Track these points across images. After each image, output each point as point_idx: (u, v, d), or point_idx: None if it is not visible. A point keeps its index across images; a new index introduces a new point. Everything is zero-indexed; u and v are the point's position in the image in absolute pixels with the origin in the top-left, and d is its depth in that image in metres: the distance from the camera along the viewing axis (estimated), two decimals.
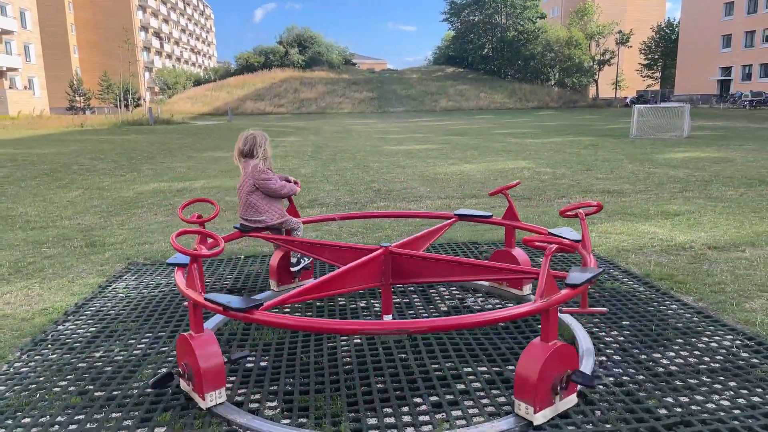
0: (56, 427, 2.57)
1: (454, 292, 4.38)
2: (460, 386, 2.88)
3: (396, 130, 28.14)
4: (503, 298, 4.24)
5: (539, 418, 2.45)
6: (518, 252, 4.17)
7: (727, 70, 60.36)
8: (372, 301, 4.19)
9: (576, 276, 2.70)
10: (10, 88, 52.77)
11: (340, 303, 4.16)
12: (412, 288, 4.41)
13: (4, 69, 52.87)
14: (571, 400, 2.62)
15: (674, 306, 3.91)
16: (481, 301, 4.15)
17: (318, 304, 4.14)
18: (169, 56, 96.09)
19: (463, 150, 16.88)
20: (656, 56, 76.22)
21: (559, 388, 2.49)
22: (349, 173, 11.90)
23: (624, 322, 3.64)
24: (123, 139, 23.52)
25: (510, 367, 3.08)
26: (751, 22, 56.67)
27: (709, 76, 61.61)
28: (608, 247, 5.49)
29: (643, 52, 76.41)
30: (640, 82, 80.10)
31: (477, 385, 2.90)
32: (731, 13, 59.12)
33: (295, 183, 4.30)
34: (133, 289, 4.54)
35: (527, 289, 4.18)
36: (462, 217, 4.50)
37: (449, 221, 4.33)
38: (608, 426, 2.48)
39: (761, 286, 4.25)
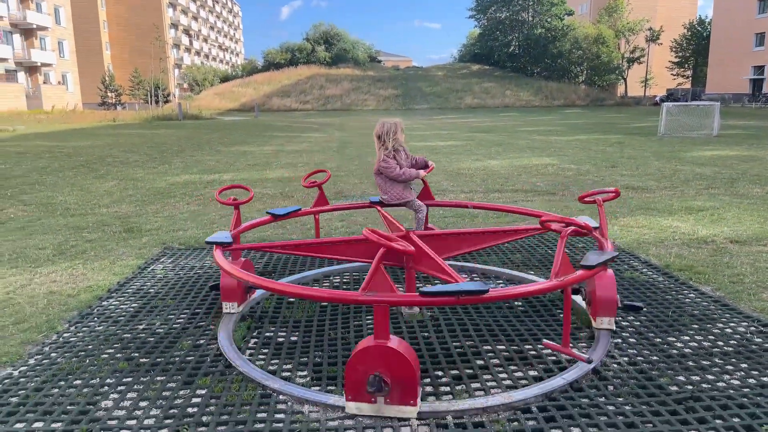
0: (106, 388, 2.81)
1: (475, 278, 4.52)
2: (480, 362, 3.04)
3: (420, 127, 28.24)
4: (522, 284, 4.36)
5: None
6: None
7: (759, 69, 58.85)
8: (396, 285, 4.36)
9: (592, 258, 2.83)
10: (44, 83, 54.25)
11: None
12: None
13: (39, 64, 54.39)
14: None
15: (692, 295, 4.00)
16: (502, 287, 4.29)
17: (345, 287, 4.34)
18: (198, 53, 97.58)
19: (487, 147, 16.93)
20: (687, 54, 74.67)
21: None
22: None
23: (641, 308, 3.74)
24: (153, 134, 24.11)
25: (527, 346, 3.22)
26: None
27: (742, 75, 60.14)
28: (629, 240, 5.57)
29: (674, 49, 74.93)
30: (670, 80, 78.57)
31: (495, 361, 3.05)
32: (765, 11, 57.60)
33: (426, 167, 4.35)
34: (170, 271, 4.79)
35: (604, 322, 3.40)
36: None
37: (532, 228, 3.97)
38: (620, 399, 2.61)
39: None
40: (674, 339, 3.28)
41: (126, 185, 9.96)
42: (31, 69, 54.58)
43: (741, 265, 4.66)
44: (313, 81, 67.58)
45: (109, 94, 67.74)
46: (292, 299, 4.02)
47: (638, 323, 3.51)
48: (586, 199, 3.71)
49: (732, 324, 3.47)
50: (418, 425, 2.44)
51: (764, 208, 7.03)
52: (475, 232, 3.94)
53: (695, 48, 73.05)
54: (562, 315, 3.66)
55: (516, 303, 3.91)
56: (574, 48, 71.84)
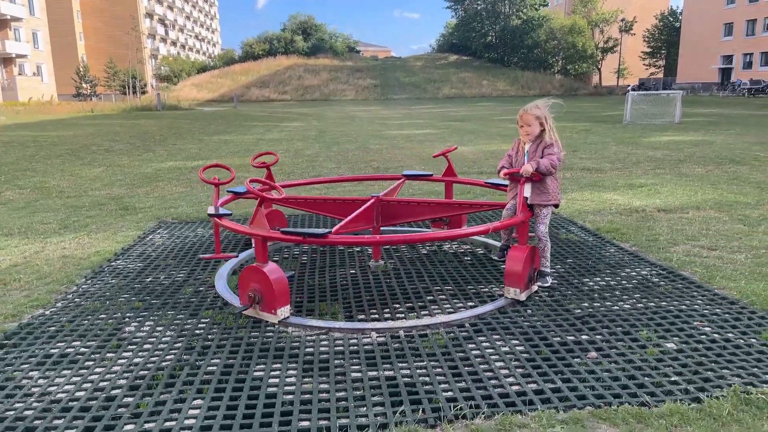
0: (127, 319, 3.47)
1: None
2: (430, 297, 3.78)
3: (398, 117, 28.93)
4: (473, 244, 5.11)
5: (523, 296, 3.59)
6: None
7: (728, 59, 60.67)
8: (365, 248, 5.08)
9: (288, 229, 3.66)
10: (19, 74, 53.64)
11: (339, 249, 5.05)
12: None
13: (14, 56, 53.72)
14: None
15: (612, 250, 4.78)
16: (455, 247, 5.03)
17: (321, 248, 5.04)
18: (174, 43, 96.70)
19: (461, 134, 17.70)
20: (659, 44, 76.45)
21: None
22: (351, 153, 12.76)
23: (568, 260, 4.52)
24: (134, 123, 24.41)
25: (470, 287, 3.96)
26: (753, 11, 56.90)
27: (711, 65, 61.94)
28: (572, 210, 6.35)
29: (646, 39, 76.62)
30: (642, 70, 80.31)
31: (442, 296, 3.79)
32: (733, 2, 59.30)
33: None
34: (168, 239, 5.43)
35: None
36: (409, 177, 5.41)
37: (399, 181, 5.08)
38: (534, 318, 3.37)
39: (689, 237, 5.12)
40: (588, 280, 4.05)
41: (114, 171, 10.49)
42: (6, 60, 53.89)
43: (660, 227, 5.47)
44: (291, 71, 67.72)
45: (84, 85, 67.05)
46: (276, 258, 4.72)
47: (563, 270, 4.28)
48: (437, 156, 5.06)
49: (638, 269, 4.25)
50: (376, 336, 3.16)
51: (698, 185, 7.88)
52: (435, 203, 4.68)
53: (667, 38, 74.81)
54: (503, 266, 4.43)
55: (466, 258, 4.66)
56: (549, 38, 73.03)
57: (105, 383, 2.69)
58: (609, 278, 4.08)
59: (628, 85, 66.29)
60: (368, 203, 4.35)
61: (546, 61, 75.21)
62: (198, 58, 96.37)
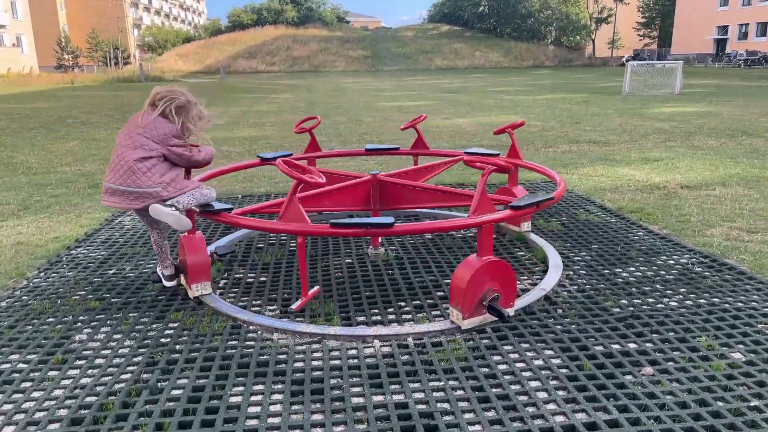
0: (79, 324, 2.89)
1: None
2: (440, 293, 3.22)
3: (389, 88, 28.07)
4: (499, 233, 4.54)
5: (466, 324, 2.72)
6: (519, 189, 4.21)
7: (723, 29, 59.78)
8: None
9: (522, 200, 2.97)
10: None
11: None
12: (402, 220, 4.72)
13: None
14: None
15: (641, 233, 4.24)
16: (464, 231, 4.46)
17: None
18: (158, 12, 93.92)
19: (456, 106, 17.01)
20: (654, 14, 75.20)
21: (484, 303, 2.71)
22: (343, 126, 12.08)
23: (593, 246, 3.97)
24: (115, 95, 23.42)
25: None
26: None
27: (706, 35, 61.02)
28: (587, 187, 5.79)
29: (641, 10, 75.32)
30: (637, 41, 79.13)
31: None
32: None
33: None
34: (138, 221, 4.82)
35: (525, 226, 4.22)
36: (371, 152, 4.93)
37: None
38: (567, 320, 2.82)
39: (724, 218, 4.59)
40: (620, 270, 3.51)
41: (88, 145, 9.77)
42: None
43: (688, 206, 4.93)
44: (279, 42, 65.98)
45: (66, 56, 65.01)
46: (261, 245, 4.13)
47: (589, 257, 3.73)
48: (499, 133, 4.30)
49: (675, 257, 3.72)
50: (380, 346, 2.61)
51: (716, 158, 7.35)
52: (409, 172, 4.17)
53: (661, 8, 73.54)
54: (519, 252, 3.87)
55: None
56: (543, 8, 71.55)
57: (41, 414, 2.13)
58: (644, 267, 3.54)
59: (622, 57, 65.44)
60: (363, 179, 3.76)
61: (539, 31, 73.79)
62: (182, 28, 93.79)
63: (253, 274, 3.59)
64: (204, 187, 3.14)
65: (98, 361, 2.51)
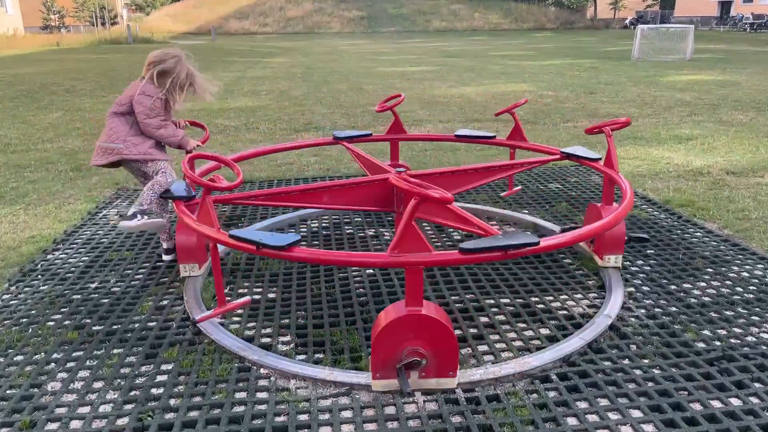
0: (52, 365, 2.38)
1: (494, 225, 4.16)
2: (484, 319, 2.72)
3: (388, 51, 27.08)
4: (518, 224, 4.04)
5: (375, 384, 2.16)
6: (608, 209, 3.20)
7: None
8: (381, 229, 3.97)
9: (484, 240, 2.14)
10: None
11: (348, 231, 3.94)
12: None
13: None
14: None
15: (699, 234, 3.73)
16: (497, 229, 3.93)
17: (324, 232, 3.92)
18: None
19: (459, 72, 16.25)
20: None
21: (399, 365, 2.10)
22: (344, 95, 11.39)
23: (649, 251, 3.47)
24: (101, 59, 22.40)
25: (534, 298, 2.91)
26: None
27: None
28: (624, 173, 5.22)
29: None
30: (639, 2, 77.22)
31: (501, 317, 2.73)
32: None
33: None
34: None
35: (611, 260, 3.17)
36: (461, 138, 4.23)
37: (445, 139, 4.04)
38: (646, 361, 2.33)
39: None
40: (690, 285, 3.01)
41: (72, 117, 9.09)
42: None
43: (743, 199, 4.42)
44: (272, 2, 63.84)
45: (52, 16, 62.75)
46: None
47: (648, 268, 3.23)
48: (594, 131, 3.36)
49: (747, 267, 3.22)
50: (424, 402, 2.11)
51: (753, 137, 6.80)
52: (480, 168, 3.48)
53: None
54: (565, 260, 3.37)
55: None
56: None
57: None
58: (716, 282, 3.04)
59: (625, 19, 64.00)
60: (384, 175, 3.22)
61: None
62: None
63: (260, 289, 3.07)
64: (165, 168, 3.12)
65: (74, 425, 2.01)
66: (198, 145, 3.42)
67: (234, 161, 2.64)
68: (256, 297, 2.98)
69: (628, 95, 10.79)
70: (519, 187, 4.50)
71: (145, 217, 3.08)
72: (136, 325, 2.68)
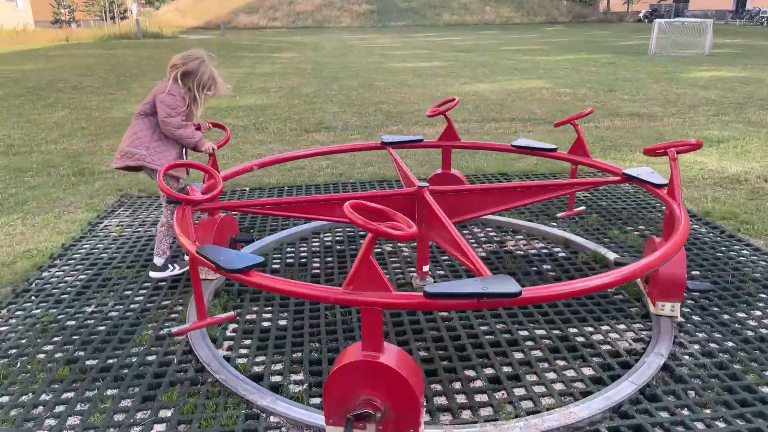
0: (40, 408, 2.14)
1: (490, 233, 3.88)
2: (519, 355, 2.44)
3: (399, 46, 26.73)
4: (547, 239, 3.75)
5: (330, 430, 1.88)
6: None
7: None
8: (399, 244, 3.70)
9: (437, 286, 1.74)
10: None
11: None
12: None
13: None
14: None
15: (745, 252, 3.43)
16: (523, 244, 3.66)
17: (338, 247, 3.66)
18: None
19: (472, 68, 15.90)
20: None
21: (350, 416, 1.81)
22: (355, 93, 11.10)
23: (693, 272, 3.17)
24: (110, 54, 22.25)
25: (572, 330, 2.63)
26: None
27: None
28: None
29: None
30: None
31: (537, 353, 2.45)
32: None
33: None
34: (128, 227, 4.03)
35: (666, 308, 2.67)
36: (520, 149, 3.78)
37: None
38: (708, 412, 2.05)
39: None
40: (744, 315, 2.72)
41: (78, 115, 8.88)
42: None
43: None
44: None
45: (62, 10, 62.80)
46: (276, 261, 3.35)
47: (697, 293, 2.94)
48: (657, 152, 2.94)
49: None
50: None
51: None
52: (520, 187, 3.08)
53: None
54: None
55: (545, 267, 3.30)
56: None
57: None
58: None
59: (639, 12, 63.12)
60: (408, 189, 2.94)
61: None
62: None
63: (269, 315, 2.82)
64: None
65: None
66: (215, 148, 3.19)
67: (266, 164, 2.49)
68: (266, 324, 2.73)
69: (650, 93, 10.42)
70: (582, 208, 4.00)
71: (176, 266, 3.21)
72: (134, 359, 2.44)
